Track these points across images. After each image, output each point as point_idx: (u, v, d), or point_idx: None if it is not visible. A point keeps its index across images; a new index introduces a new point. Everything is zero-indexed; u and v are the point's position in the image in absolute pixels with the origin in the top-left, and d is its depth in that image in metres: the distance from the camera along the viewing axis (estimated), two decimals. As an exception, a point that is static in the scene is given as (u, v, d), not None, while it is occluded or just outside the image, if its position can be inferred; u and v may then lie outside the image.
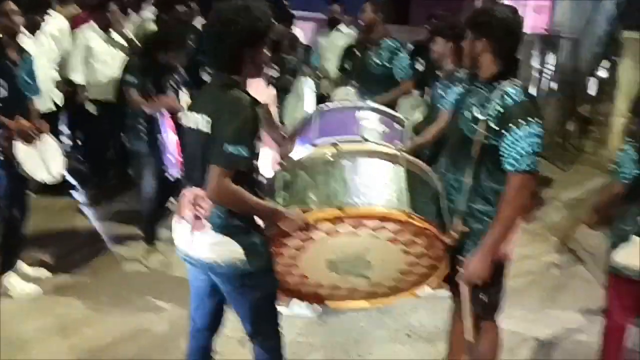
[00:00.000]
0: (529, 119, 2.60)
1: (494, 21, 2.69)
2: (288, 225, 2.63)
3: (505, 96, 2.65)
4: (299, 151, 3.63)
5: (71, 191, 6.13)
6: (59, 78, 5.90)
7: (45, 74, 5.61)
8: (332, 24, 7.47)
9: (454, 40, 4.04)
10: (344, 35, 7.18)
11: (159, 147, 4.59)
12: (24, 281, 4.36)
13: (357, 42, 5.48)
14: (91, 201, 6.05)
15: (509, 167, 2.65)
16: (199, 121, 2.56)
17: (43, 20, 5.52)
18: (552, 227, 5.94)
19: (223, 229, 2.57)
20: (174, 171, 4.57)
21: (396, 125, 3.96)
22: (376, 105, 3.91)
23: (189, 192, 2.65)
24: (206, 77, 4.98)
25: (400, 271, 2.96)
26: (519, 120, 2.60)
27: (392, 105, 4.77)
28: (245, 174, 2.51)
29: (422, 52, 6.08)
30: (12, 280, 4.31)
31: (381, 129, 3.82)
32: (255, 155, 2.53)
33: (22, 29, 5.22)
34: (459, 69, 4.05)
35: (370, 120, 3.78)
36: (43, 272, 4.58)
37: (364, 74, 5.16)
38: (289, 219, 2.62)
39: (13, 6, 4.17)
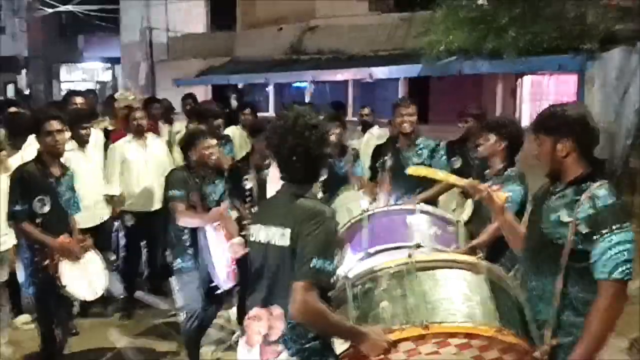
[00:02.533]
0: (622, 224, 2.46)
1: (574, 120, 2.60)
2: (371, 348, 2.44)
3: (596, 199, 2.50)
4: (350, 259, 3.48)
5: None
6: (106, 192, 5.88)
7: (94, 188, 5.63)
8: (363, 126, 7.52)
9: (507, 140, 3.98)
10: (376, 136, 7.19)
11: (203, 260, 4.42)
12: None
13: (391, 142, 5.44)
14: (124, 315, 5.88)
15: (601, 276, 2.45)
16: (272, 234, 2.44)
17: (89, 134, 5.56)
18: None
19: (299, 352, 2.40)
20: (227, 284, 4.39)
21: (449, 227, 3.83)
22: (426, 208, 3.80)
23: (259, 313, 2.47)
24: (249, 185, 4.90)
25: None
26: (613, 225, 2.44)
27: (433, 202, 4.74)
28: (326, 290, 2.37)
29: (457, 150, 6.06)
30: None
31: (433, 232, 3.69)
32: (336, 270, 2.39)
33: (73, 143, 5.28)
34: (509, 168, 3.97)
35: (421, 224, 3.66)
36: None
37: (402, 174, 5.08)
38: (372, 340, 2.43)
39: (58, 125, 4.15)
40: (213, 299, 4.55)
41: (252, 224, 2.65)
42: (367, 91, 12.49)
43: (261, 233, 2.51)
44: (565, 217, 2.55)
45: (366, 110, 7.61)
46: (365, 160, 6.51)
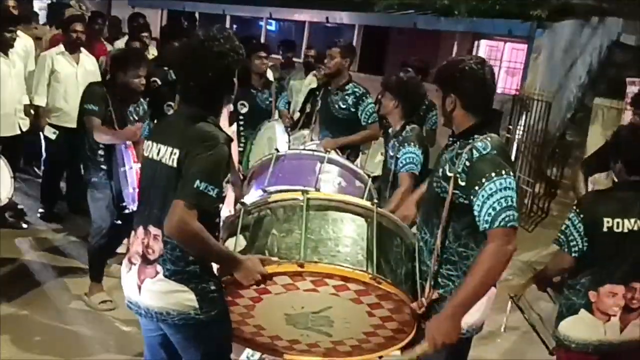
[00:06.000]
0: (500, 171, 2.40)
1: (461, 74, 2.53)
2: (243, 276, 2.43)
3: (474, 150, 2.45)
4: (252, 195, 3.44)
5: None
6: (27, 101, 5.66)
7: (13, 96, 5.40)
8: (307, 67, 7.41)
9: (401, 99, 3.89)
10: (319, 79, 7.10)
11: (117, 178, 4.32)
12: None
13: (322, 85, 5.39)
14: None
15: (485, 225, 2.39)
16: (163, 153, 2.40)
17: (14, 38, 5.31)
18: (511, 289, 5.77)
19: (176, 274, 2.38)
20: (134, 205, 4.23)
21: (357, 182, 3.76)
22: (335, 157, 3.72)
23: (141, 231, 2.44)
24: (171, 111, 4.78)
25: (365, 332, 2.72)
26: (490, 174, 2.39)
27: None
28: (209, 215, 2.35)
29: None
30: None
31: (338, 183, 3.64)
32: (222, 197, 2.38)
33: None
34: (407, 127, 3.89)
35: (329, 173, 3.61)
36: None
37: (328, 118, 5.07)
38: (245, 269, 2.41)
39: None
40: (124, 218, 4.42)
41: (147, 140, 2.59)
42: (326, 36, 12.30)
43: (154, 150, 2.46)
44: (447, 170, 2.52)
45: (311, 52, 7.48)
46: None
